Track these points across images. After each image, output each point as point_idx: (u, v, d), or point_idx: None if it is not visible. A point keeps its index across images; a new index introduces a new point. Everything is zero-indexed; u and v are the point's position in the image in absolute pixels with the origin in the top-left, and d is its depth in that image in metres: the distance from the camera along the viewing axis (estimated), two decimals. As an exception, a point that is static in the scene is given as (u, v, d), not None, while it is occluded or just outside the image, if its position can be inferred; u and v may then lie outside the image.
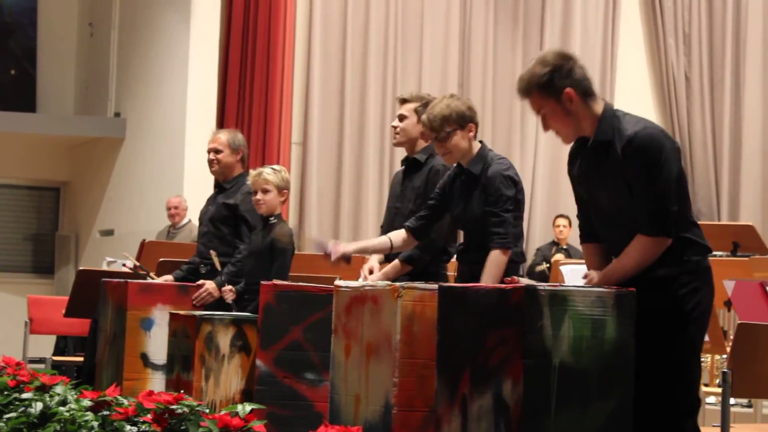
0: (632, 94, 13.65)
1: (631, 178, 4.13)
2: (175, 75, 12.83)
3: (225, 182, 7.18)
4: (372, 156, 13.06)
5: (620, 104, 4.54)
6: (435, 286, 4.58)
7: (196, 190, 11.57)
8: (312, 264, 8.51)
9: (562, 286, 4.07)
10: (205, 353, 6.04)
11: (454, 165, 5.49)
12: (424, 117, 5.43)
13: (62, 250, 14.98)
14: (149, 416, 4.67)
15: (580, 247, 4.86)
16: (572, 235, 12.35)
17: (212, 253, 6.88)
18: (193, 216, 11.14)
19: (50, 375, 5.91)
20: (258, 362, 5.81)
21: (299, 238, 5.97)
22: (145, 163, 13.48)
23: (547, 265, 11.94)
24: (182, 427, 4.54)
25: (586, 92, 4.23)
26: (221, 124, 12.42)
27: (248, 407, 4.52)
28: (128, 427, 4.79)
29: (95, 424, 4.99)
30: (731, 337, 6.42)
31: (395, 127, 5.98)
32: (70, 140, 14.73)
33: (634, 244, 4.14)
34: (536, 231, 13.48)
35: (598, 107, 4.25)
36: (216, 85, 12.71)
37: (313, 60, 12.98)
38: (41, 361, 9.11)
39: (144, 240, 10.06)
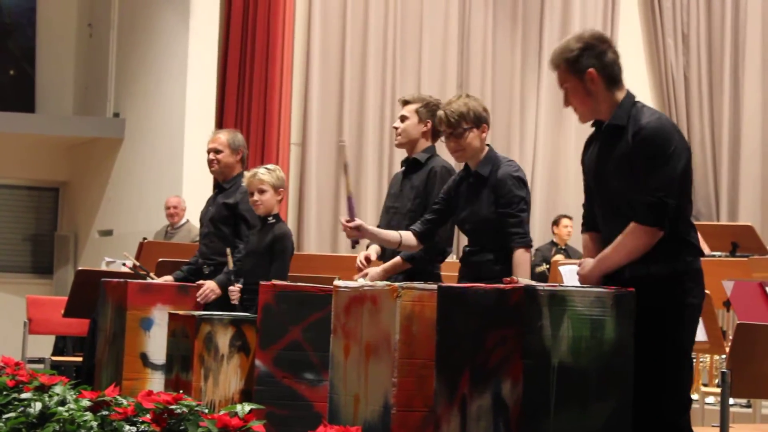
0: (631, 94, 13.64)
1: (636, 165, 4.16)
2: (174, 75, 12.83)
3: (224, 182, 7.18)
4: (371, 157, 13.07)
5: (619, 104, 4.55)
6: (434, 286, 4.58)
7: (195, 191, 11.58)
8: (311, 264, 8.52)
9: (562, 286, 4.07)
10: (204, 353, 6.04)
11: (460, 169, 5.52)
12: (440, 112, 5.45)
13: (61, 250, 14.98)
14: (148, 416, 4.67)
15: (579, 248, 4.88)
16: (573, 235, 12.36)
17: (228, 251, 6.86)
18: (191, 216, 11.14)
19: (49, 375, 5.91)
20: (257, 362, 5.81)
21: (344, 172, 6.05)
22: (144, 164, 13.48)
23: (547, 266, 11.94)
24: (181, 427, 4.54)
25: (611, 78, 4.29)
26: (220, 124, 12.42)
27: (247, 407, 4.52)
28: (127, 427, 4.79)
29: (94, 424, 4.99)
30: (730, 337, 6.43)
31: (396, 128, 6.01)
32: (69, 140, 14.73)
33: (627, 231, 4.17)
34: (535, 231, 13.47)
35: (620, 95, 4.31)
36: (215, 86, 12.72)
37: (312, 60, 12.99)
38: (40, 361, 9.11)
39: (145, 238, 10.06)
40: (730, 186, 14.19)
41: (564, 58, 4.30)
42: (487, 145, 5.48)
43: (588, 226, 4.47)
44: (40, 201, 15.42)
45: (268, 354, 5.78)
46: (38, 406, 5.37)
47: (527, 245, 5.29)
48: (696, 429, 5.60)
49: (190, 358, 6.05)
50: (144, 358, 6.85)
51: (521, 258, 5.25)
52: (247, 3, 12.77)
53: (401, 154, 6.16)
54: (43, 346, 10.72)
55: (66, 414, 5.13)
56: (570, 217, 12.50)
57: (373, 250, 5.87)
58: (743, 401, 7.79)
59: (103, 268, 10.03)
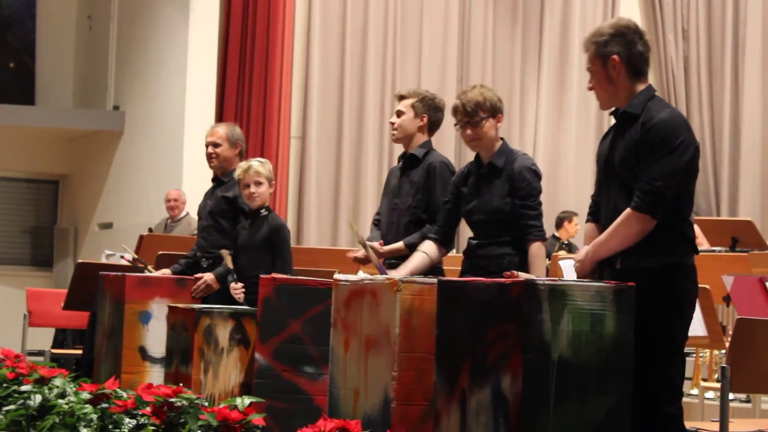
0: (631, 89, 13.62)
1: (642, 153, 4.19)
2: (174, 68, 12.82)
3: (223, 176, 7.18)
4: (371, 150, 13.06)
5: (619, 99, 4.56)
6: (434, 280, 4.59)
7: (195, 184, 11.56)
8: (311, 258, 8.52)
9: (562, 280, 4.08)
10: (204, 346, 6.04)
11: (459, 163, 5.51)
12: (456, 101, 5.43)
13: (61, 243, 14.98)
14: (148, 409, 4.67)
15: (581, 245, 4.89)
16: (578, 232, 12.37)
17: (225, 252, 6.85)
18: (191, 209, 11.14)
19: (49, 368, 5.92)
20: (257, 356, 5.81)
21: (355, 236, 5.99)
22: (144, 157, 13.47)
23: (548, 260, 11.93)
24: (181, 420, 4.54)
25: (635, 68, 4.33)
26: (220, 117, 12.41)
27: (247, 400, 4.53)
28: (127, 420, 4.80)
29: (94, 416, 4.99)
30: (730, 332, 6.43)
31: (393, 124, 6.03)
32: (69, 133, 14.72)
33: (621, 218, 4.20)
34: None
35: (641, 87, 4.35)
36: (215, 79, 12.70)
37: (313, 54, 12.97)
38: (40, 353, 9.11)
39: (151, 229, 10.02)
40: (730, 181, 14.19)
41: (593, 42, 4.36)
42: (501, 138, 5.49)
43: (594, 216, 4.50)
44: (40, 194, 15.41)
45: (267, 347, 5.79)
46: (38, 398, 5.38)
47: (544, 239, 5.32)
48: (696, 424, 5.63)
49: (189, 352, 6.05)
50: (143, 352, 6.85)
51: (539, 251, 5.26)
52: (248, -4, 12.76)
53: (401, 148, 6.17)
54: (43, 338, 10.73)
55: (66, 407, 5.13)
56: (576, 214, 12.51)
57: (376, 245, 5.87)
58: (743, 396, 7.79)
59: (103, 260, 10.03)
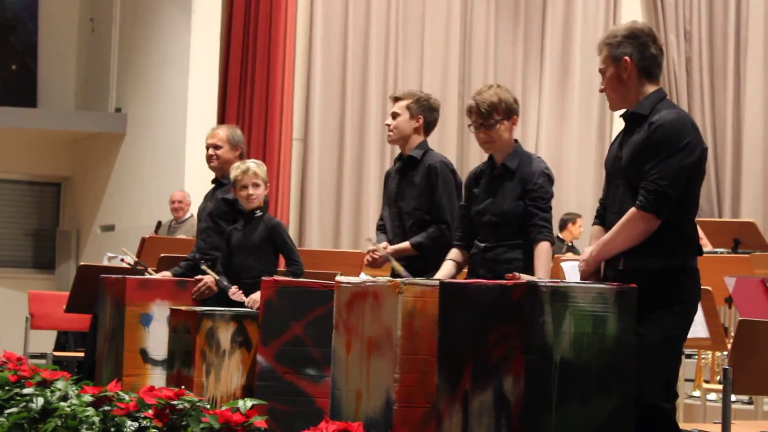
0: (633, 90, 13.62)
1: (647, 154, 4.20)
2: (176, 70, 12.83)
3: (223, 178, 7.17)
4: (373, 152, 13.05)
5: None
6: (436, 281, 4.58)
7: (197, 186, 11.55)
8: (313, 260, 8.51)
9: (564, 282, 4.07)
10: (205, 349, 6.04)
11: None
12: (471, 102, 5.41)
13: (63, 246, 14.98)
14: (150, 412, 4.67)
15: (585, 247, 4.90)
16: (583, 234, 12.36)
17: (203, 265, 6.85)
18: (195, 211, 11.14)
19: (51, 370, 5.91)
20: (259, 358, 5.81)
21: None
22: (146, 159, 13.47)
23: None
24: (183, 423, 4.54)
25: (646, 71, 4.36)
26: (222, 119, 12.41)
27: (249, 403, 4.53)
28: (129, 423, 4.80)
29: (96, 419, 4.99)
30: (732, 334, 6.42)
31: (389, 125, 6.04)
32: (71, 135, 14.72)
33: (626, 217, 4.22)
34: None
35: (652, 88, 4.36)
36: (217, 81, 12.70)
37: (314, 55, 12.97)
38: (42, 356, 9.10)
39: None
40: (732, 182, 14.17)
41: (606, 43, 4.41)
42: (515, 140, 5.46)
43: (601, 219, 4.51)
44: (42, 196, 15.42)
45: (269, 349, 5.78)
46: (40, 401, 5.38)
47: (552, 241, 5.32)
48: (698, 426, 5.62)
49: (191, 354, 6.05)
50: (144, 354, 6.84)
51: (547, 251, 5.24)
52: (250, -3, 12.76)
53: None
54: (45, 341, 10.72)
55: (68, 409, 5.13)
56: (580, 216, 12.50)
57: (381, 246, 5.87)
58: (745, 398, 7.78)
59: (105, 263, 10.02)
